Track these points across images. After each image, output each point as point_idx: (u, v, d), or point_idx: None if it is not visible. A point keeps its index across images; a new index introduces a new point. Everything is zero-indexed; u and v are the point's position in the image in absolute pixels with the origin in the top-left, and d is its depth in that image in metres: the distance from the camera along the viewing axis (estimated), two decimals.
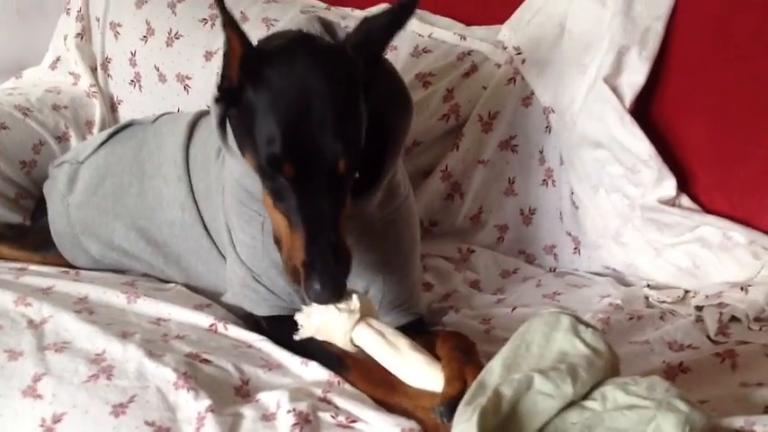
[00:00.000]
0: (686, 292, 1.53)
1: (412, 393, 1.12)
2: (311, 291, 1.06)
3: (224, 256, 1.44)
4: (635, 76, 1.48)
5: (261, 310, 1.35)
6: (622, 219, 1.55)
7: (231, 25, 1.06)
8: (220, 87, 1.14)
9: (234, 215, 1.34)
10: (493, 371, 0.99)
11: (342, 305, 1.14)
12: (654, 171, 1.46)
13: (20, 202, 1.89)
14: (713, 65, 1.46)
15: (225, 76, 1.12)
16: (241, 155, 1.17)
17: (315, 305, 1.17)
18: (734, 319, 1.37)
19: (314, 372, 1.23)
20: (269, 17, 2.01)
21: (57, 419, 1.16)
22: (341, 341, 1.15)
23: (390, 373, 1.14)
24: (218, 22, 1.97)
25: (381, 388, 1.16)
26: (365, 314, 1.16)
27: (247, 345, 1.32)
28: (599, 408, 0.94)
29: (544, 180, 1.74)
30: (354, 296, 1.16)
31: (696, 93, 1.49)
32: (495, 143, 1.75)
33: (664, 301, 1.48)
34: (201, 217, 1.47)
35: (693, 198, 1.49)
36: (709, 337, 1.34)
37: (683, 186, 1.49)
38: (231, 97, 1.12)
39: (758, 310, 1.36)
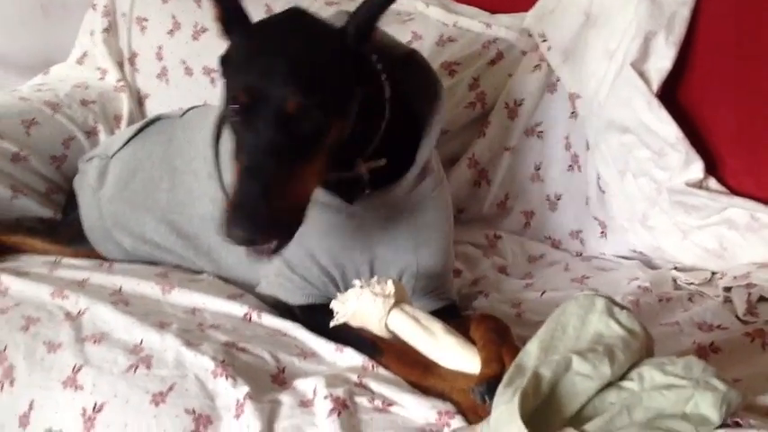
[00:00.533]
0: (713, 273, 1.53)
1: (447, 375, 1.13)
2: (228, 230, 1.04)
3: None
4: (662, 60, 1.48)
5: (296, 298, 1.37)
6: (649, 202, 1.55)
7: None
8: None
9: None
10: (530, 353, 1.00)
11: (377, 290, 1.16)
12: (681, 154, 1.46)
13: (51, 196, 1.91)
14: (740, 48, 1.46)
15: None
16: None
17: (350, 292, 1.19)
18: (762, 299, 1.38)
19: (349, 358, 1.24)
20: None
21: (98, 409, 1.18)
22: (376, 327, 1.17)
23: (424, 356, 1.16)
24: None
25: (416, 370, 1.17)
26: (399, 300, 1.17)
27: (282, 333, 1.34)
28: (637, 388, 0.95)
29: (570, 166, 1.75)
30: (389, 281, 1.17)
31: (723, 76, 1.48)
32: (521, 130, 1.76)
33: (691, 283, 1.49)
34: None
35: (721, 181, 1.49)
36: (738, 318, 1.35)
37: (711, 170, 1.49)
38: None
39: None
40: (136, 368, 1.23)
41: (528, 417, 0.88)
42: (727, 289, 1.42)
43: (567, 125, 1.73)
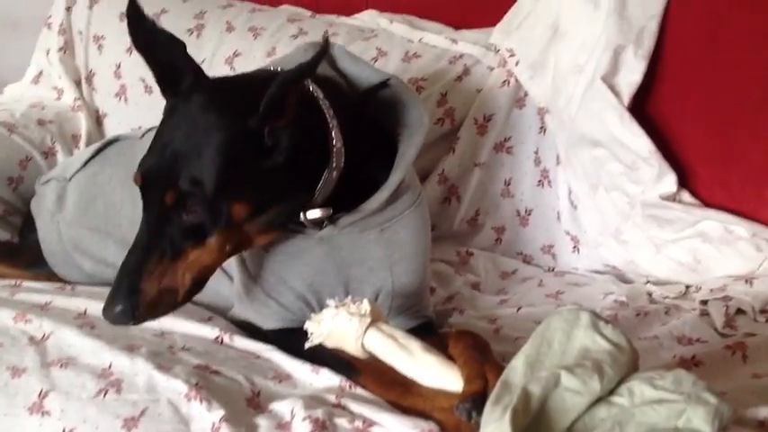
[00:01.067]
0: (687, 287, 1.53)
1: (427, 394, 1.11)
2: (104, 305, 1.11)
3: (226, 274, 1.42)
4: (632, 74, 1.49)
5: (270, 323, 1.34)
6: (622, 216, 1.56)
7: None
8: None
9: None
10: (516, 369, 0.98)
11: (353, 310, 1.14)
12: (654, 168, 1.46)
13: (7, 218, 1.86)
14: (709, 60, 1.48)
15: None
16: None
17: (325, 312, 1.16)
18: (740, 311, 1.38)
19: (325, 379, 1.21)
20: (255, 26, 2.00)
21: None
22: (352, 347, 1.14)
23: (402, 376, 1.13)
24: (204, 31, 2.00)
25: (395, 390, 1.15)
26: (375, 319, 1.15)
27: (255, 356, 1.30)
28: (627, 403, 0.94)
29: (540, 181, 1.75)
30: (365, 301, 1.15)
31: (693, 89, 1.50)
32: (491, 145, 1.76)
33: (667, 297, 1.49)
34: None
35: (694, 193, 1.51)
36: (716, 330, 1.35)
37: (684, 182, 1.51)
38: None
39: (764, 301, 1.36)
40: (105, 393, 1.18)
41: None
42: (704, 302, 1.42)
43: (537, 140, 1.74)
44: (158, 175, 1.10)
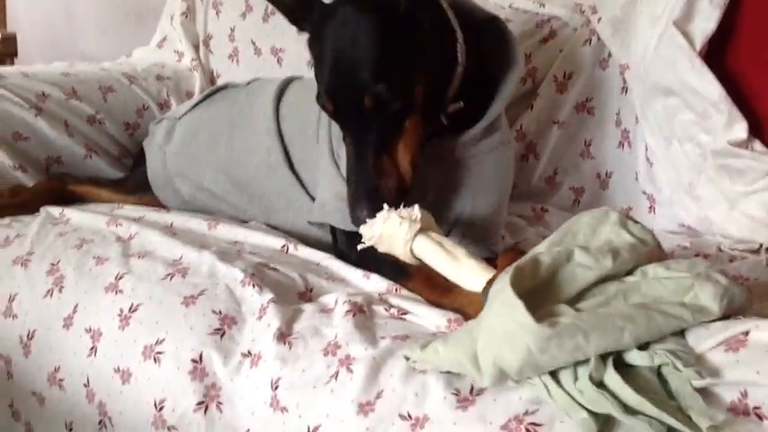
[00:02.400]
0: (761, 245, 1.50)
1: (466, 293, 1.15)
2: (350, 212, 1.21)
3: (308, 194, 1.52)
4: (706, 22, 1.47)
5: (348, 224, 1.38)
6: (696, 170, 1.54)
7: None
8: None
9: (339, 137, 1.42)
10: (535, 250, 1.02)
11: (404, 214, 1.18)
12: (724, 114, 1.44)
13: (122, 160, 2.04)
14: None
15: None
16: None
17: (378, 216, 1.22)
18: None
19: (375, 283, 1.28)
20: None
21: (133, 309, 1.26)
22: (401, 251, 1.18)
23: (447, 280, 1.18)
24: None
25: (438, 290, 1.21)
26: (425, 226, 1.19)
27: (315, 263, 1.38)
28: (638, 280, 0.95)
29: (620, 142, 1.75)
30: (416, 207, 1.20)
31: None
32: (571, 105, 1.77)
33: (735, 249, 1.46)
34: (289, 159, 1.55)
35: (767, 144, 1.47)
36: None
37: (757, 133, 1.47)
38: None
39: None
40: (172, 276, 1.30)
41: (522, 293, 0.90)
42: None
43: (618, 101, 1.73)
44: (348, 89, 1.20)
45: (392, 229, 1.18)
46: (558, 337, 0.86)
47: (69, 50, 3.32)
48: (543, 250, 1.01)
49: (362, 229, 1.23)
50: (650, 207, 1.69)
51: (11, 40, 3.19)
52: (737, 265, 1.35)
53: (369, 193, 1.18)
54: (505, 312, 0.89)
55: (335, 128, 1.41)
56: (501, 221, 1.47)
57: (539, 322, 0.87)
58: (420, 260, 1.19)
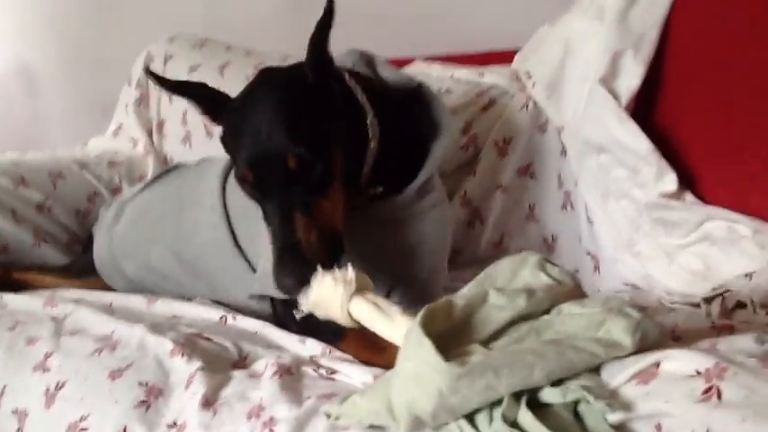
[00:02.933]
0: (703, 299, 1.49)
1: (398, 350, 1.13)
2: (278, 283, 1.14)
3: (252, 269, 1.51)
4: (630, 78, 1.51)
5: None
6: (633, 226, 1.55)
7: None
8: None
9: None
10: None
11: (337, 276, 1.14)
12: (653, 167, 1.46)
13: (72, 247, 2.03)
14: (709, 63, 1.49)
15: None
16: None
17: (312, 281, 1.20)
18: (740, 305, 1.33)
19: (310, 348, 1.26)
20: None
21: (59, 387, 1.23)
22: (338, 314, 1.13)
23: (380, 339, 1.16)
24: None
25: (371, 349, 1.19)
26: (361, 287, 1.17)
27: (253, 332, 1.36)
28: (551, 318, 0.94)
29: (563, 204, 1.75)
30: (349, 267, 1.16)
31: (693, 92, 1.50)
32: (513, 169, 1.79)
33: (675, 302, 1.45)
34: (234, 234, 1.55)
35: (697, 195, 1.48)
36: (713, 323, 1.30)
37: (687, 184, 1.49)
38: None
39: (763, 294, 1.31)
40: (101, 351, 1.27)
41: (434, 335, 0.88)
42: (708, 300, 1.38)
43: (559, 163, 1.75)
44: (268, 155, 1.17)
45: (327, 293, 1.13)
46: (468, 376, 0.84)
47: (31, 141, 3.35)
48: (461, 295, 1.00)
49: (300, 297, 1.22)
50: (595, 267, 1.69)
51: None
52: (673, 315, 1.33)
53: (293, 253, 1.14)
54: (415, 354, 0.88)
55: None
56: (440, 281, 1.46)
57: (448, 362, 0.85)
58: (358, 322, 1.17)
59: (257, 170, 1.18)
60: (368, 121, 1.28)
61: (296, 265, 1.13)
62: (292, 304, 1.32)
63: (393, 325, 1.12)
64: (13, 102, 3.76)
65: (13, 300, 1.58)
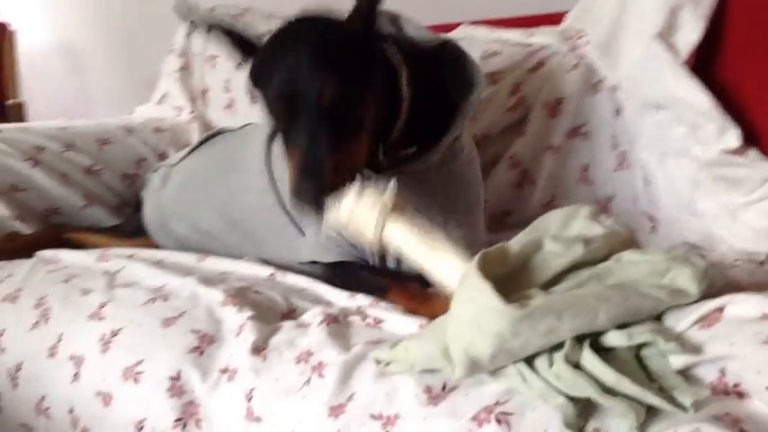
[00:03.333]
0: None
1: (443, 299, 1.12)
2: (298, 189, 1.12)
3: (302, 231, 1.51)
4: (690, 33, 1.47)
5: (330, 257, 1.39)
6: (693, 184, 1.51)
7: None
8: None
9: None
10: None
11: (376, 196, 1.10)
12: (714, 123, 1.42)
13: (121, 210, 2.04)
14: None
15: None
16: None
17: (347, 199, 1.13)
18: None
19: (359, 301, 1.25)
20: None
21: (114, 334, 1.24)
22: (370, 234, 1.09)
23: (426, 288, 1.15)
24: None
25: (415, 299, 1.19)
26: (398, 209, 1.10)
27: (301, 288, 1.35)
28: (612, 265, 0.92)
29: (618, 165, 1.72)
30: (391, 186, 1.11)
31: (757, 46, 1.45)
32: (563, 130, 1.75)
33: (739, 260, 1.41)
34: (281, 199, 1.54)
35: (762, 152, 1.44)
36: None
37: (751, 141, 1.44)
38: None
39: None
40: (154, 301, 1.28)
41: (490, 279, 0.87)
42: None
43: (613, 123, 1.71)
44: (303, 87, 1.15)
45: (362, 212, 1.09)
46: (529, 318, 0.83)
47: (78, 115, 3.38)
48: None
49: (331, 213, 1.14)
50: (652, 227, 1.65)
51: (19, 108, 3.26)
52: (738, 270, 1.30)
53: (314, 174, 1.12)
54: (473, 298, 0.86)
55: None
56: (478, 238, 1.44)
57: (508, 304, 0.83)
58: (388, 246, 1.12)
59: (289, 99, 1.17)
60: (402, 81, 1.27)
61: (316, 184, 1.11)
62: (338, 265, 1.34)
63: (434, 252, 1.06)
64: (59, 78, 3.81)
65: (67, 256, 1.60)
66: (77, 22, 3.73)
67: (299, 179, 1.12)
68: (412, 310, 1.17)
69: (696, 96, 1.44)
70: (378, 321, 1.13)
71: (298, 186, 1.12)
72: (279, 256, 1.55)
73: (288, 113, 1.17)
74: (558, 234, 0.99)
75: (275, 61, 1.20)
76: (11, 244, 1.74)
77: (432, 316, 1.12)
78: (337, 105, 1.16)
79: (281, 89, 1.17)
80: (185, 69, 2.39)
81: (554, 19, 1.94)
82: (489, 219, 1.77)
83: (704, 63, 1.51)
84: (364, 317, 1.15)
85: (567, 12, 1.90)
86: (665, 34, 1.48)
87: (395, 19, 1.42)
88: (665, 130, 1.52)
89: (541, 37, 1.85)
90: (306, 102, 1.15)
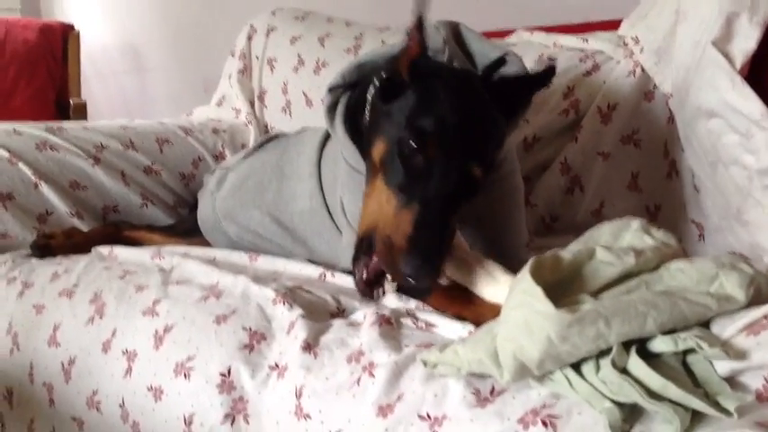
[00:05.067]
0: None
1: (488, 303, 1.13)
2: (410, 264, 1.06)
3: (338, 230, 1.53)
4: (746, 41, 1.45)
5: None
6: (742, 194, 1.49)
7: (418, 28, 1.18)
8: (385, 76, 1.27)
9: (346, 188, 1.44)
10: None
11: None
12: (767, 131, 1.41)
13: (177, 209, 2.10)
14: None
15: (390, 68, 1.26)
16: (367, 138, 1.27)
17: None
18: None
19: (405, 303, 1.26)
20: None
21: (167, 329, 1.26)
22: None
23: (469, 292, 1.16)
24: (362, 51, 2.17)
25: (458, 303, 1.19)
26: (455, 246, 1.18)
27: (350, 288, 1.36)
28: (661, 272, 0.92)
29: (668, 173, 1.71)
30: None
31: None
32: (616, 137, 1.74)
33: None
34: (326, 203, 1.57)
35: None
36: None
37: None
38: (389, 88, 1.23)
39: None
40: (207, 298, 1.31)
41: (543, 285, 0.87)
42: None
43: (665, 132, 1.70)
44: (461, 147, 1.14)
45: None
46: (578, 324, 0.83)
47: (138, 115, 3.48)
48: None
49: None
50: (699, 236, 1.64)
51: (83, 108, 3.35)
52: None
53: (434, 257, 1.08)
54: (524, 302, 0.87)
55: (341, 171, 1.43)
56: (520, 243, 1.46)
57: (558, 309, 0.84)
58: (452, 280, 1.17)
59: (443, 154, 1.13)
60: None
61: (428, 265, 1.07)
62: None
63: (495, 281, 1.12)
64: (122, 77, 3.91)
65: (122, 252, 1.65)
66: (139, 23, 3.83)
67: (407, 250, 1.07)
68: (456, 313, 1.18)
69: (750, 105, 1.42)
70: (429, 325, 1.15)
71: (405, 256, 1.06)
72: (326, 258, 1.57)
73: (428, 163, 1.13)
74: (609, 244, 0.99)
75: (440, 112, 1.15)
76: (69, 240, 1.79)
77: (475, 319, 1.13)
78: (477, 180, 1.16)
79: (441, 142, 1.13)
80: (244, 72, 2.43)
81: (610, 26, 1.94)
82: (537, 223, 1.79)
83: (759, 71, 1.49)
84: (416, 320, 1.16)
85: (622, 19, 1.90)
86: (721, 42, 1.46)
87: (455, 29, 1.43)
88: (717, 138, 1.50)
89: (597, 43, 1.85)
90: (453, 165, 1.13)
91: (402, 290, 1.27)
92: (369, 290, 1.16)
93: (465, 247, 1.24)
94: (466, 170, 1.14)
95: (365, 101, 1.32)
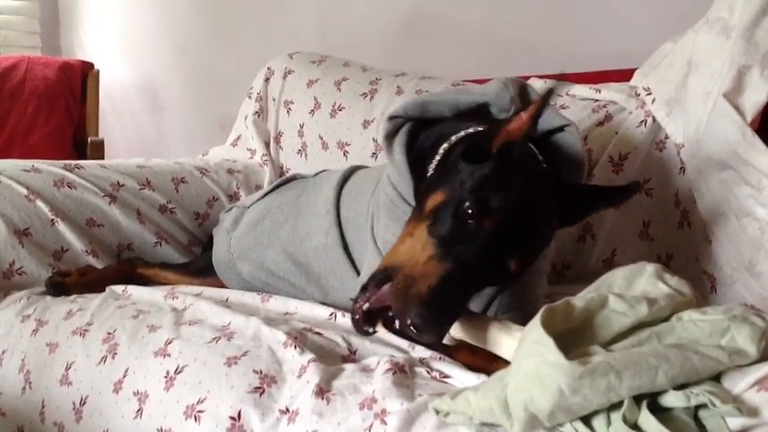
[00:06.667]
0: None
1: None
2: (421, 316, 1.04)
3: (358, 274, 1.54)
4: (757, 94, 1.46)
5: None
6: (754, 245, 1.49)
7: (534, 116, 1.16)
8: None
9: (384, 213, 1.43)
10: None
11: None
12: None
13: (191, 248, 2.11)
14: None
15: (488, 132, 1.25)
16: (428, 183, 1.29)
17: None
18: None
19: (419, 352, 1.27)
20: (421, 89, 2.18)
21: (179, 371, 1.27)
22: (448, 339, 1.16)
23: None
24: (377, 95, 2.19)
25: (483, 359, 1.19)
26: None
27: None
28: (673, 324, 0.92)
29: (680, 223, 1.72)
30: None
31: None
32: None
33: None
34: (344, 241, 1.58)
35: None
36: None
37: None
38: (475, 148, 1.23)
39: None
40: (218, 339, 1.32)
41: (554, 335, 0.88)
42: None
43: (677, 181, 1.72)
44: (512, 237, 1.14)
45: None
46: (589, 376, 0.84)
47: (155, 154, 3.52)
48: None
49: None
50: (711, 287, 1.64)
51: (100, 146, 3.39)
52: None
53: (444, 320, 1.08)
54: (536, 352, 0.88)
55: (383, 196, 1.43)
56: (539, 294, 1.47)
57: (570, 361, 0.85)
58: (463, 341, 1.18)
59: (498, 228, 1.13)
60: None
61: (439, 323, 1.07)
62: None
63: (512, 338, 1.11)
64: (139, 116, 3.96)
65: (136, 291, 1.66)
66: (157, 63, 3.88)
67: (423, 302, 1.05)
68: (479, 368, 1.18)
69: (761, 157, 1.43)
70: (444, 375, 1.15)
71: (418, 307, 1.05)
72: (339, 296, 1.58)
73: (481, 231, 1.13)
74: (622, 292, 1.00)
75: (509, 191, 1.16)
76: (84, 278, 1.81)
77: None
78: (509, 273, 1.16)
79: (499, 219, 1.13)
80: (260, 114, 2.47)
81: (622, 76, 1.96)
82: (549, 271, 1.78)
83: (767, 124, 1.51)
84: (430, 369, 1.16)
85: (635, 69, 1.92)
86: (732, 94, 1.48)
87: (522, 89, 1.46)
88: (728, 189, 1.52)
89: (609, 93, 1.87)
90: (503, 245, 1.13)
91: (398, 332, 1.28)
92: (363, 321, 1.13)
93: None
94: (505, 259, 1.14)
95: (433, 148, 1.34)
